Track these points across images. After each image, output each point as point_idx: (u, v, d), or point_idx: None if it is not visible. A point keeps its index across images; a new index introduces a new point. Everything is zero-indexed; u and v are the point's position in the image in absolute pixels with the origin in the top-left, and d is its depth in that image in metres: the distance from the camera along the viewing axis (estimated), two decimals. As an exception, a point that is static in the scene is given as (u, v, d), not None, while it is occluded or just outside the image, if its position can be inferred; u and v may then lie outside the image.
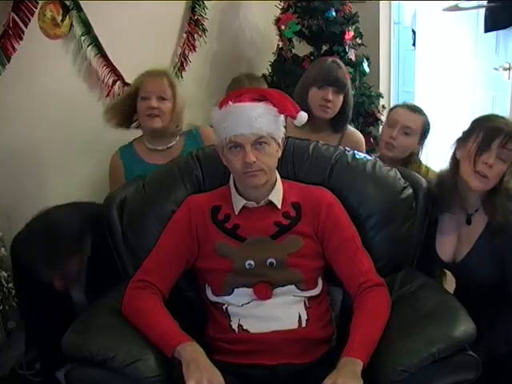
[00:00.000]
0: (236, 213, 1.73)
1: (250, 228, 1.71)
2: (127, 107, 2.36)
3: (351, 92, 2.51)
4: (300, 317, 1.66)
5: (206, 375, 1.44)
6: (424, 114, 2.30)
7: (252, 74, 3.08)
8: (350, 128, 2.56)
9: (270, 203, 1.73)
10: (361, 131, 2.92)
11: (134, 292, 1.66)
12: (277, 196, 1.74)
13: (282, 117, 1.71)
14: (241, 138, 1.64)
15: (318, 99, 2.40)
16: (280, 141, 1.72)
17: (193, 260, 1.74)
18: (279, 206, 1.73)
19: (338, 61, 2.56)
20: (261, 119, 1.64)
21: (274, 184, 1.75)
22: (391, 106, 2.97)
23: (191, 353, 1.50)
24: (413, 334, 1.53)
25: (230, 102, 1.67)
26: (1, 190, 2.16)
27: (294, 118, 1.73)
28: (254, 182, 1.68)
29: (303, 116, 1.75)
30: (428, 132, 2.29)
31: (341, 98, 2.42)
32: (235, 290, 1.68)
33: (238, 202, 1.73)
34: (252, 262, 1.67)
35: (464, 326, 1.52)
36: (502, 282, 1.78)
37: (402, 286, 1.75)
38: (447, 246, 1.85)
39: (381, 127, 2.98)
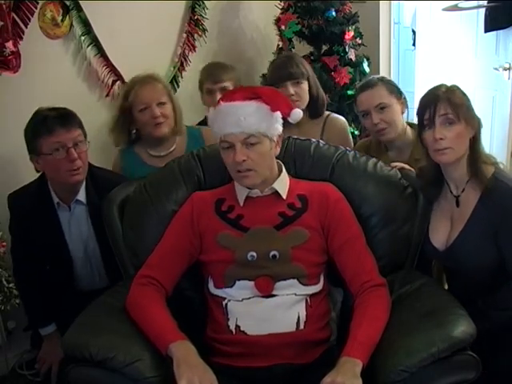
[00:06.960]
0: (241, 204, 1.73)
1: (254, 218, 1.70)
2: (126, 124, 2.33)
3: (313, 74, 2.46)
4: (299, 319, 1.65)
5: (197, 374, 1.43)
6: (381, 81, 2.20)
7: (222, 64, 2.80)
8: (333, 114, 2.52)
9: (275, 193, 1.73)
10: (360, 131, 2.92)
11: (138, 288, 1.67)
12: (282, 186, 1.74)
13: (277, 114, 1.69)
14: (230, 137, 1.65)
15: None
16: (276, 138, 1.71)
17: (196, 254, 1.74)
18: (284, 196, 1.73)
19: (290, 53, 2.60)
20: (250, 118, 1.63)
21: (279, 175, 1.75)
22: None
23: (183, 351, 1.49)
24: (413, 334, 1.53)
25: (222, 102, 1.69)
26: (0, 189, 2.15)
27: (288, 115, 1.72)
28: (247, 183, 1.70)
29: (297, 113, 1.73)
30: (396, 87, 2.21)
31: (303, 86, 2.38)
32: (237, 282, 1.67)
33: (242, 193, 1.73)
34: (254, 254, 1.67)
35: (464, 326, 1.52)
36: (499, 263, 1.73)
37: (403, 286, 1.75)
38: (440, 232, 1.82)
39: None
